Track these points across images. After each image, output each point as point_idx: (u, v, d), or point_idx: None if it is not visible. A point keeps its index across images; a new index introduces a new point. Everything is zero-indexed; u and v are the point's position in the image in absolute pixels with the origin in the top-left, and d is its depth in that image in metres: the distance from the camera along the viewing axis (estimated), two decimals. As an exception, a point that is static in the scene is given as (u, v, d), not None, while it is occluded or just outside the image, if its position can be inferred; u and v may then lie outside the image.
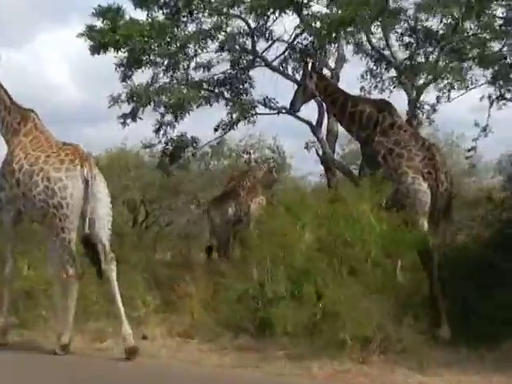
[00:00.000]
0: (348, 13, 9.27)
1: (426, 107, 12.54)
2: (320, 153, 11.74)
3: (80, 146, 6.82)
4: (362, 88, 12.84)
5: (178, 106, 10.69)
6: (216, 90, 11.29)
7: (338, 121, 9.79)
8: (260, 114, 11.76)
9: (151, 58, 10.63)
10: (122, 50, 10.56)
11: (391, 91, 12.73)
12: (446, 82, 12.02)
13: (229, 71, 11.59)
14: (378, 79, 12.95)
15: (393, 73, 12.60)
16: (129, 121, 11.48)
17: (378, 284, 6.15)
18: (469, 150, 13.47)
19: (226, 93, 11.37)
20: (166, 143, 11.88)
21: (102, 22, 10.76)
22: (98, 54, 10.97)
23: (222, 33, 10.82)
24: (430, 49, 11.55)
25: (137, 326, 7.45)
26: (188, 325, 7.60)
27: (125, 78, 11.47)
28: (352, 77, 13.24)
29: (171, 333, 7.52)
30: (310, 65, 9.61)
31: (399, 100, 12.01)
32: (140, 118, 11.52)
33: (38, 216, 6.64)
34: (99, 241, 6.53)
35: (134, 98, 10.33)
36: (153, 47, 10.32)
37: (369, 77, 12.91)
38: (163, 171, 12.29)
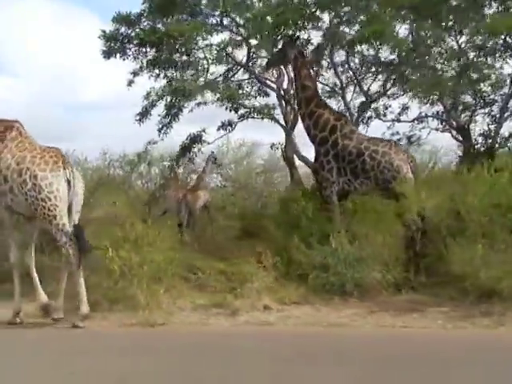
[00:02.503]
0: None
1: None
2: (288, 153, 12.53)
3: (60, 149, 7.73)
4: None
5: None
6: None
7: (298, 106, 10.46)
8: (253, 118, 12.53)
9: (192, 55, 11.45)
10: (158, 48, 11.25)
11: None
12: None
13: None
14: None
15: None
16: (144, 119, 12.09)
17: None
18: None
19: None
20: (187, 138, 12.61)
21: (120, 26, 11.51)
22: (109, 58, 11.62)
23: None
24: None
25: (257, 297, 8.23)
26: (296, 293, 8.42)
27: (130, 83, 12.16)
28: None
29: (283, 301, 8.27)
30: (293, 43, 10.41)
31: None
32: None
33: (29, 210, 7.39)
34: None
35: (179, 93, 10.81)
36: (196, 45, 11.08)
37: None
38: (176, 163, 12.86)
